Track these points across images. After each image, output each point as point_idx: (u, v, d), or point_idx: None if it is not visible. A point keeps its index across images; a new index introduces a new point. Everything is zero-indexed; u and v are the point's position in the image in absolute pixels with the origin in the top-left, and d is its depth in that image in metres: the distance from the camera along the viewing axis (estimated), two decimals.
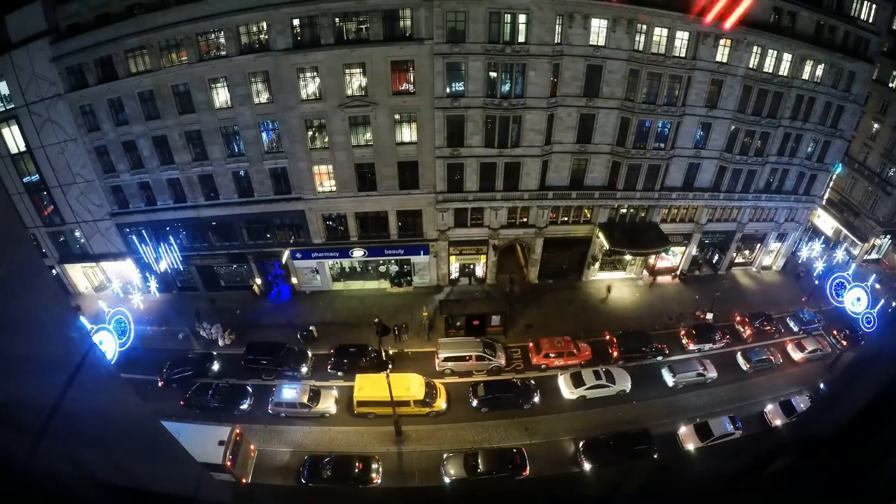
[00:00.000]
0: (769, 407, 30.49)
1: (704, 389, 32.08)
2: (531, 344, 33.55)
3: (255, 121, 32.65)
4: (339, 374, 31.77)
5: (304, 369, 31.76)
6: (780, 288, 42.80)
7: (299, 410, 28.82)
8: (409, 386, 28.74)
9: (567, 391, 30.62)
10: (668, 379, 32.20)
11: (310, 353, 32.90)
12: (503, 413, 29.51)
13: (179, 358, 32.40)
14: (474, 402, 29.71)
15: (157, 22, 29.93)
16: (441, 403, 29.26)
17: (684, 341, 35.02)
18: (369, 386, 28.52)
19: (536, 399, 30.21)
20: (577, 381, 30.79)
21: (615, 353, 33.34)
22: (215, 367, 32.28)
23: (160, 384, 30.90)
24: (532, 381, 31.15)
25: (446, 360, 31.61)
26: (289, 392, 29.08)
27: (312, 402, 29.01)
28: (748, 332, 36.25)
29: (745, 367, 33.61)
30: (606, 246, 37.98)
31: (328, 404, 29.31)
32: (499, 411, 29.54)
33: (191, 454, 2.87)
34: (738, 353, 34.31)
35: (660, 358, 33.70)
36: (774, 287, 42.79)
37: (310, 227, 36.65)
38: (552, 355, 32.44)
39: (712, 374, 32.36)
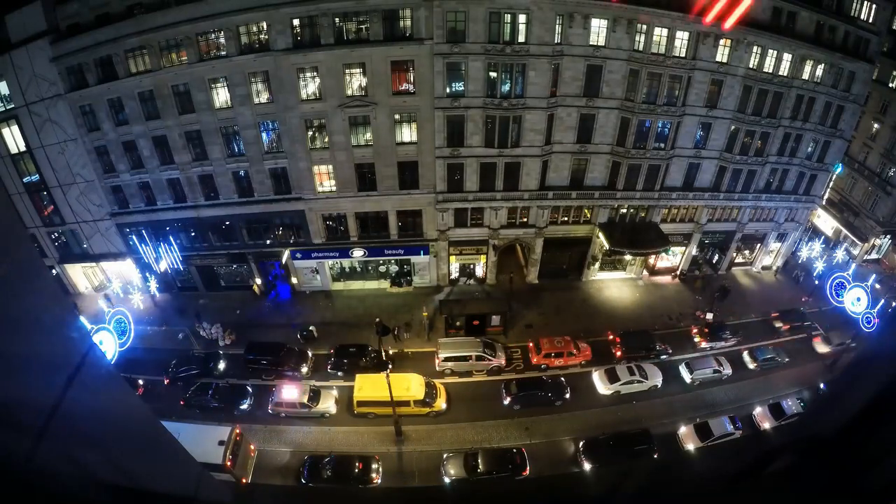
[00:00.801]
0: (757, 410, 30.47)
1: (704, 388, 32.11)
2: (531, 344, 33.53)
3: (255, 121, 32.64)
4: (339, 374, 31.77)
5: (304, 369, 31.76)
6: (781, 288, 42.76)
7: (299, 410, 28.83)
8: (409, 386, 28.73)
9: (602, 387, 31.02)
10: (686, 376, 32.46)
11: (310, 353, 32.90)
12: (539, 410, 29.60)
13: (185, 356, 32.53)
14: (506, 400, 29.76)
15: (157, 22, 29.93)
16: (441, 403, 29.25)
17: (696, 339, 35.29)
18: (369, 386, 28.51)
19: (567, 395, 30.38)
20: (612, 376, 31.19)
21: (618, 353, 33.33)
22: (221, 365, 32.33)
23: (166, 382, 31.07)
24: (562, 378, 31.34)
25: (446, 360, 31.59)
26: (289, 392, 29.08)
27: (312, 402, 29.02)
28: (785, 326, 36.82)
29: (751, 366, 33.76)
30: (606, 246, 37.97)
31: (328, 404, 29.31)
32: (532, 408, 29.64)
33: (191, 454, 2.87)
34: (745, 352, 34.50)
35: (664, 357, 33.73)
36: (774, 287, 42.75)
37: (310, 227, 36.64)
38: (552, 355, 32.44)
39: (727, 370, 32.72)
